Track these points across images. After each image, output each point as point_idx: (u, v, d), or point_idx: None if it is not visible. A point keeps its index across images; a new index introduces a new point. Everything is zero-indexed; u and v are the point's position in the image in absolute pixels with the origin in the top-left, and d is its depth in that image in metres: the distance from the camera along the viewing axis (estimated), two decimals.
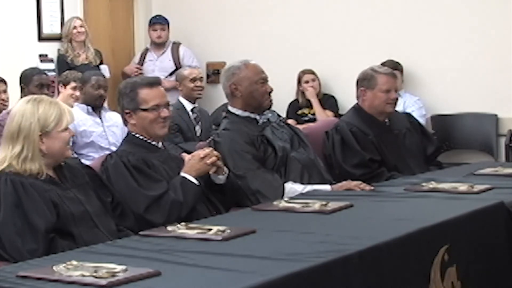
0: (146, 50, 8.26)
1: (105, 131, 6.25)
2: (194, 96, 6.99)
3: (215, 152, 3.99)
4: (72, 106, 5.93)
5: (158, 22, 8.19)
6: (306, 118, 7.58)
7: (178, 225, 3.32)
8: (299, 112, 7.67)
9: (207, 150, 4.00)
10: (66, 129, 3.43)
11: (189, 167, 3.91)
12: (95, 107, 6.26)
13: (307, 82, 7.64)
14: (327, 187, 4.32)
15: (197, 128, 6.87)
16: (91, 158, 5.74)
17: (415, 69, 7.39)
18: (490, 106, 7.14)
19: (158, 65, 8.14)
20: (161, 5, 8.53)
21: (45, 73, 6.34)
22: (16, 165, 3.33)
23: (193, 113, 6.92)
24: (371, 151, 4.86)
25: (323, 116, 7.38)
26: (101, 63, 7.68)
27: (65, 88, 6.52)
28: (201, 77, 7.20)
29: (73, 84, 6.47)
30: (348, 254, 2.89)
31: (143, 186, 3.80)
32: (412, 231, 3.24)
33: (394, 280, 3.07)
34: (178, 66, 7.98)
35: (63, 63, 7.46)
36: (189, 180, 3.87)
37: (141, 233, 3.29)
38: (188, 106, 6.93)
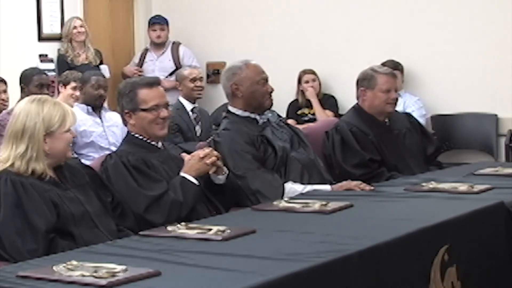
0: (146, 50, 8.26)
1: (105, 131, 6.26)
2: (194, 96, 6.99)
3: (214, 152, 3.99)
4: (72, 106, 5.92)
5: (158, 22, 8.19)
6: (306, 118, 7.58)
7: (178, 225, 3.32)
8: (299, 112, 7.67)
9: (207, 150, 4.00)
10: (69, 130, 3.43)
11: (189, 167, 3.91)
12: (95, 107, 6.26)
13: (307, 82, 7.64)
14: (327, 187, 4.32)
15: (197, 128, 6.87)
16: (91, 158, 5.74)
17: (415, 69, 7.39)
18: (490, 106, 7.14)
19: (158, 65, 8.14)
20: (161, 5, 8.53)
21: (45, 73, 6.34)
22: (20, 165, 3.33)
23: (193, 113, 6.92)
24: (371, 151, 4.86)
25: (323, 116, 7.38)
26: (101, 63, 7.68)
27: (65, 88, 6.52)
28: (201, 77, 7.20)
29: (73, 84, 6.47)
30: (348, 254, 2.89)
31: (143, 186, 3.80)
32: (412, 231, 3.24)
33: (394, 280, 3.07)
34: (178, 66, 7.98)
35: (63, 63, 7.46)
36: (189, 180, 3.87)
37: (141, 233, 3.28)
38: (188, 106, 6.93)
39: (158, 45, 8.18)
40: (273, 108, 4.53)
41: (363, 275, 2.91)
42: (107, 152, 4.35)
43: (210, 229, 3.22)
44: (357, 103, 5.08)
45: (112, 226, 3.50)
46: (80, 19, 7.67)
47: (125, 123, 4.02)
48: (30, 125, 3.35)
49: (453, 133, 7.30)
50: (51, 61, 7.58)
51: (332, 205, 3.70)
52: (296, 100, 7.72)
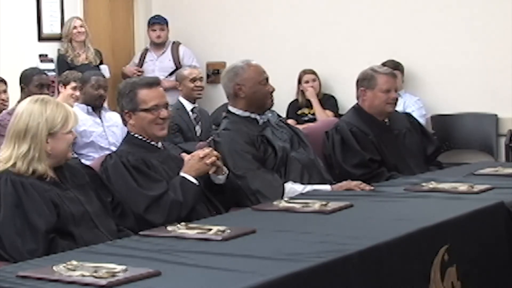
0: (146, 50, 8.27)
1: (105, 131, 6.26)
2: (194, 96, 6.99)
3: (214, 152, 3.99)
4: (72, 106, 5.92)
5: (157, 22, 8.19)
6: (306, 118, 7.58)
7: (178, 225, 3.32)
8: (299, 112, 7.67)
9: (207, 150, 4.00)
10: (70, 131, 3.43)
11: (188, 167, 3.91)
12: (95, 107, 6.26)
13: (307, 82, 7.64)
14: (327, 187, 4.32)
15: (197, 128, 6.87)
16: (91, 158, 5.74)
17: (415, 69, 7.39)
18: (490, 106, 7.15)
19: (158, 65, 8.14)
20: (161, 5, 8.53)
21: (45, 73, 6.34)
22: (21, 165, 3.32)
23: (193, 113, 6.92)
24: (371, 151, 4.86)
25: (323, 116, 7.38)
26: (101, 63, 7.68)
27: (65, 88, 6.52)
28: (201, 77, 7.20)
29: (73, 84, 6.47)
30: (348, 254, 2.89)
31: (143, 186, 3.80)
32: (412, 231, 3.24)
33: (394, 280, 3.07)
34: (178, 66, 7.99)
35: (63, 63, 7.46)
36: (188, 180, 3.87)
37: (141, 233, 3.29)
38: (188, 106, 6.93)
39: (158, 45, 8.18)
40: (273, 108, 4.53)
41: (363, 275, 2.91)
42: (107, 152, 4.35)
43: (210, 229, 3.22)
44: (357, 103, 5.08)
45: (112, 226, 3.50)
46: (80, 19, 7.67)
47: (125, 123, 4.02)
48: (33, 125, 3.35)
49: (453, 133, 7.30)
50: (51, 61, 7.58)
51: (332, 205, 3.70)
52: (296, 100, 7.72)
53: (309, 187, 4.27)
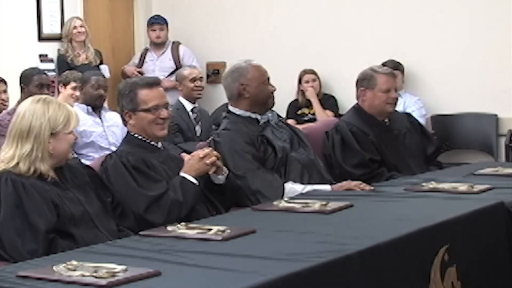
0: (146, 50, 8.26)
1: (105, 131, 6.26)
2: (194, 96, 6.99)
3: (214, 152, 3.99)
4: (72, 106, 5.92)
5: (157, 22, 8.19)
6: (306, 118, 7.58)
7: (178, 225, 3.32)
8: (299, 112, 7.67)
9: (207, 150, 4.00)
10: (71, 131, 3.43)
11: (188, 167, 3.91)
12: (95, 107, 6.26)
13: (307, 82, 7.64)
14: (327, 187, 4.32)
15: (197, 128, 6.87)
16: (91, 158, 5.74)
17: (415, 69, 7.39)
18: (490, 106, 7.15)
19: (159, 65, 8.14)
20: (161, 5, 8.53)
21: (45, 73, 6.34)
22: (24, 165, 3.32)
23: (193, 113, 6.92)
24: (371, 151, 4.86)
25: (323, 116, 7.38)
26: (101, 63, 7.68)
27: (65, 88, 6.52)
28: (201, 77, 7.20)
29: (73, 84, 6.47)
30: (348, 254, 2.89)
31: (143, 186, 3.80)
32: (412, 231, 3.24)
33: (394, 280, 3.07)
34: (178, 66, 7.99)
35: (63, 63, 7.46)
36: (188, 180, 3.87)
37: (141, 233, 3.28)
38: (188, 106, 6.93)
39: (158, 45, 8.18)
40: (273, 108, 4.53)
41: (363, 275, 2.91)
42: (107, 152, 4.35)
43: (210, 229, 3.22)
44: (357, 103, 5.08)
45: (112, 226, 3.50)
46: (80, 19, 7.67)
47: (125, 123, 4.01)
48: (36, 125, 3.36)
49: (453, 133, 7.31)
50: (51, 61, 7.58)
51: (332, 205, 3.70)
52: (296, 100, 7.72)
53: (309, 187, 4.27)
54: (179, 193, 3.81)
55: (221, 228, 3.22)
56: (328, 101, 7.64)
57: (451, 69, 7.25)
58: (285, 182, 4.27)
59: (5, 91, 6.29)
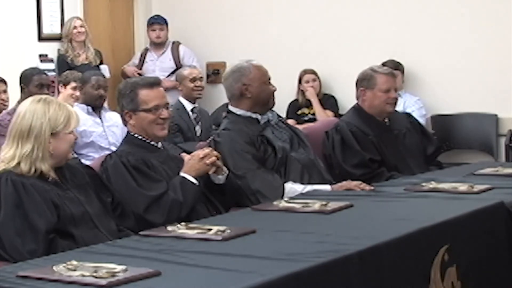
0: (146, 50, 8.26)
1: (105, 131, 6.26)
2: (194, 96, 6.99)
3: (214, 152, 3.99)
4: (72, 106, 5.92)
5: (157, 22, 8.19)
6: (306, 118, 7.58)
7: (178, 225, 3.32)
8: (299, 112, 7.67)
9: (207, 150, 4.00)
10: (72, 131, 3.43)
11: (188, 167, 3.91)
12: (95, 107, 6.26)
13: (307, 82, 7.64)
14: (327, 187, 4.32)
15: (197, 128, 6.87)
16: (91, 158, 5.74)
17: (415, 69, 7.39)
18: (490, 106, 7.15)
19: (159, 65, 8.14)
20: (161, 5, 8.53)
21: (45, 73, 6.34)
22: (24, 166, 3.32)
23: (193, 113, 6.93)
24: (371, 151, 4.86)
25: (323, 116, 7.38)
26: (101, 63, 7.68)
27: (65, 88, 6.52)
28: (201, 77, 7.20)
29: (73, 84, 6.47)
30: (348, 254, 2.89)
31: (143, 186, 3.80)
32: (412, 231, 3.24)
33: (394, 280, 3.07)
34: (178, 65, 7.98)
35: (63, 63, 7.46)
36: (188, 180, 3.87)
37: (141, 233, 3.28)
38: (188, 106, 6.94)
39: (158, 45, 8.18)
40: (273, 108, 4.54)
41: (363, 275, 2.91)
42: (107, 152, 4.35)
43: (210, 229, 3.22)
44: (357, 103, 5.08)
45: (112, 226, 3.50)
46: (80, 19, 7.67)
47: (125, 123, 4.01)
48: (37, 125, 3.36)
49: (453, 133, 7.30)
50: (51, 61, 7.58)
51: (332, 205, 3.70)
52: (296, 100, 7.72)
53: (309, 187, 4.27)
54: (179, 193, 3.81)
55: (221, 228, 3.22)
56: (328, 101, 7.64)
57: (451, 69, 7.25)
58: (285, 182, 4.27)
59: (5, 91, 6.29)
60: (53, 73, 7.32)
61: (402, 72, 7.21)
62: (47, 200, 3.28)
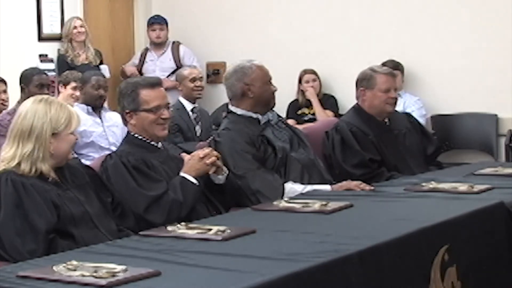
0: (146, 50, 8.26)
1: (105, 131, 6.26)
2: (194, 96, 6.99)
3: (214, 152, 3.99)
4: (72, 106, 5.92)
5: (157, 22, 8.19)
6: (306, 118, 7.58)
7: (178, 225, 3.32)
8: (299, 112, 7.67)
9: (207, 150, 4.00)
10: (72, 132, 3.43)
11: (188, 167, 3.91)
12: (95, 107, 6.26)
13: (307, 82, 7.64)
14: (327, 187, 4.32)
15: (197, 128, 6.87)
16: (91, 158, 5.74)
17: (415, 69, 7.39)
18: (490, 106, 7.15)
19: (159, 65, 8.14)
20: (161, 5, 8.53)
21: (45, 73, 6.34)
22: (25, 166, 3.32)
23: (193, 113, 6.93)
24: (371, 151, 4.86)
25: (323, 116, 7.38)
26: (101, 63, 7.68)
27: (65, 88, 6.52)
28: (201, 77, 7.20)
29: (73, 84, 6.47)
30: (348, 254, 2.89)
31: (143, 186, 3.80)
32: (412, 231, 3.24)
33: (394, 280, 3.07)
34: (178, 65, 7.98)
35: (63, 63, 7.46)
36: (188, 180, 3.87)
37: (141, 233, 3.29)
38: (188, 106, 6.94)
39: (158, 45, 8.18)
40: (273, 108, 4.54)
41: (363, 275, 2.91)
42: (107, 152, 4.35)
43: (210, 229, 3.22)
44: (357, 103, 5.08)
45: (112, 226, 3.50)
46: (80, 19, 7.67)
47: (125, 123, 4.01)
48: (38, 125, 3.36)
49: (453, 133, 7.30)
50: (51, 61, 7.58)
51: (332, 205, 3.70)
52: (296, 100, 7.72)
53: (309, 187, 4.27)
54: (179, 193, 3.81)
55: (221, 228, 3.22)
56: (328, 101, 7.64)
57: (451, 69, 7.25)
58: (285, 182, 4.27)
59: (5, 91, 6.29)
60: (53, 73, 7.31)
61: (402, 72, 7.21)
62: (47, 200, 3.28)
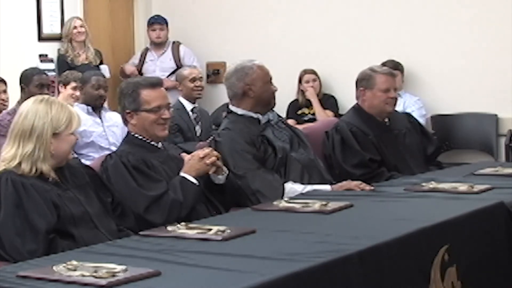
0: (146, 49, 8.26)
1: (105, 131, 6.26)
2: (194, 96, 6.99)
3: (214, 152, 3.99)
4: (72, 106, 5.92)
5: (157, 22, 8.19)
6: (306, 118, 7.58)
7: (178, 225, 3.32)
8: (299, 112, 7.67)
9: (207, 150, 4.00)
10: (73, 132, 3.43)
11: (188, 167, 3.91)
12: (95, 107, 6.26)
13: (307, 82, 7.64)
14: (327, 187, 4.32)
15: (197, 128, 6.87)
16: (91, 158, 5.74)
17: (415, 69, 7.39)
18: (490, 106, 7.15)
19: (159, 65, 8.14)
20: (161, 5, 8.53)
21: (45, 73, 6.34)
22: (26, 166, 3.32)
23: (193, 113, 6.93)
24: (371, 151, 4.86)
25: (323, 116, 7.38)
26: (101, 63, 7.68)
27: (65, 88, 6.52)
28: (201, 77, 7.20)
29: (73, 84, 6.47)
30: (348, 254, 2.89)
31: (143, 186, 3.80)
32: (412, 231, 3.24)
33: (394, 280, 3.07)
34: (179, 65, 7.98)
35: (63, 63, 7.46)
36: (188, 180, 3.87)
37: (141, 233, 3.29)
38: (188, 106, 6.94)
39: (159, 45, 8.18)
40: (273, 108, 4.54)
41: (363, 275, 2.91)
42: (107, 152, 4.35)
43: (210, 229, 3.22)
44: (357, 103, 5.09)
45: (112, 226, 3.50)
46: (80, 19, 7.67)
47: (125, 123, 4.01)
48: (39, 125, 3.36)
49: (453, 133, 7.30)
50: (51, 61, 7.58)
51: (332, 205, 3.70)
52: (296, 100, 7.72)
53: (309, 187, 4.27)
54: (179, 193, 3.81)
55: (221, 228, 3.22)
56: (328, 101, 7.64)
57: (451, 69, 7.25)
58: (285, 182, 4.27)
59: (5, 91, 6.29)
60: (53, 73, 7.31)
61: (402, 72, 7.21)
62: (47, 200, 3.28)
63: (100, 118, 6.28)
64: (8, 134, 3.46)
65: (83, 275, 2.60)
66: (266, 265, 2.73)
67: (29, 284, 2.58)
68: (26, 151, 3.34)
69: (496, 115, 7.14)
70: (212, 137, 4.49)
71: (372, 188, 4.24)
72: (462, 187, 4.13)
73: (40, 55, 7.55)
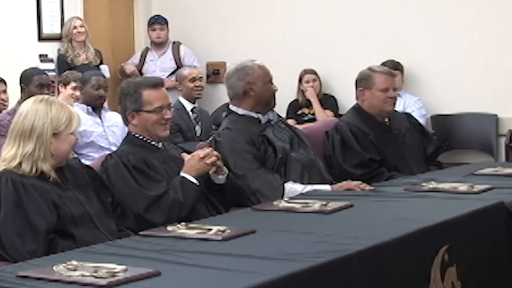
0: (147, 49, 8.26)
1: (105, 131, 6.26)
2: (194, 96, 6.99)
3: (215, 152, 3.99)
4: (72, 106, 5.92)
5: (157, 22, 8.19)
6: (306, 118, 7.58)
7: (178, 225, 3.32)
8: (299, 112, 7.67)
9: (207, 150, 4.00)
10: (73, 132, 3.44)
11: (189, 167, 3.91)
12: (95, 107, 6.26)
13: (307, 82, 7.64)
14: (327, 187, 4.32)
15: (197, 128, 6.87)
16: (91, 158, 5.74)
17: (415, 69, 7.39)
18: (490, 106, 7.15)
19: (159, 65, 8.14)
20: (161, 5, 8.53)
21: (45, 73, 6.34)
22: (26, 166, 3.32)
23: (193, 113, 6.93)
24: (371, 151, 4.86)
25: (323, 116, 7.38)
26: (101, 63, 7.68)
27: (65, 88, 6.52)
28: (201, 77, 7.20)
29: (73, 84, 6.47)
30: (348, 254, 2.89)
31: (143, 186, 3.80)
32: (412, 231, 3.24)
33: (394, 280, 3.07)
34: (179, 65, 7.98)
35: (63, 63, 7.46)
36: (189, 180, 3.87)
37: (141, 233, 3.29)
38: (188, 106, 6.94)
39: (159, 45, 8.18)
40: (273, 108, 4.54)
41: (363, 275, 2.91)
42: (107, 152, 4.35)
43: (210, 229, 3.22)
44: (356, 103, 5.09)
45: (112, 226, 3.50)
46: (80, 19, 7.67)
47: (126, 123, 4.01)
48: (39, 125, 3.36)
49: (453, 133, 7.30)
50: (51, 61, 7.58)
51: (332, 205, 3.70)
52: (296, 100, 7.72)
53: (309, 187, 4.27)
54: (179, 193, 3.81)
55: (221, 228, 3.22)
56: (328, 101, 7.64)
57: (451, 69, 7.25)
58: (285, 182, 4.27)
59: (5, 91, 6.29)
60: (53, 73, 7.32)
61: (402, 72, 7.21)
62: (47, 200, 3.28)
63: (100, 118, 6.28)
64: (8, 134, 3.46)
65: (83, 275, 2.60)
66: (266, 265, 2.73)
67: (29, 284, 2.58)
68: (26, 151, 3.34)
69: (496, 115, 7.14)
70: (212, 137, 4.49)
71: (372, 188, 4.24)
72: (462, 187, 4.13)
73: (40, 55, 7.55)
